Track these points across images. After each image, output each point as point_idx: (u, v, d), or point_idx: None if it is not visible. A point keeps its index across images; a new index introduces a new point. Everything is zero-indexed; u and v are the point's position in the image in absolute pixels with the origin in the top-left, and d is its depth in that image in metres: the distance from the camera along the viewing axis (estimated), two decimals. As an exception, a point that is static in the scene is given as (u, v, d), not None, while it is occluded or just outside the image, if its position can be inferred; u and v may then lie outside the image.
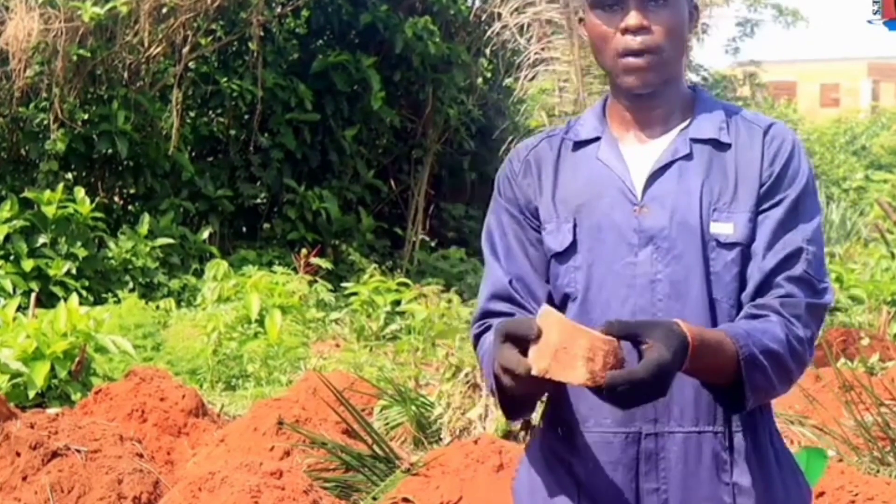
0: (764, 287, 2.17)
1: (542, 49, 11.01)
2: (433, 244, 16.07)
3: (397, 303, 10.80)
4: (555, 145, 2.32)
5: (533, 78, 11.13)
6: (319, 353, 9.12)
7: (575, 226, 2.24)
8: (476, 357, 2.34)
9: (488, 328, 2.26)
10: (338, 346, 9.68)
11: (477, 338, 2.31)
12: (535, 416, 2.39)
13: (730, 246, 2.18)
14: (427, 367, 8.05)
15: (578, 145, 2.30)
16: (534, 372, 1.96)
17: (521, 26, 11.12)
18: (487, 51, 14.50)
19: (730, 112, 2.28)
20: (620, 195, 2.22)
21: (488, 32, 12.16)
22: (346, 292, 11.48)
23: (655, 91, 2.22)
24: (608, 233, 2.21)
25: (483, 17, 14.12)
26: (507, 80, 13.93)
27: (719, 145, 2.23)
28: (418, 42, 14.65)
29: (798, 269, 2.16)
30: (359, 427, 5.57)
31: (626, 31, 2.19)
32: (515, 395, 2.12)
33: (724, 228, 2.18)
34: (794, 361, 2.14)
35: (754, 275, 2.18)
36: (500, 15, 11.32)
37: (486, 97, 16.40)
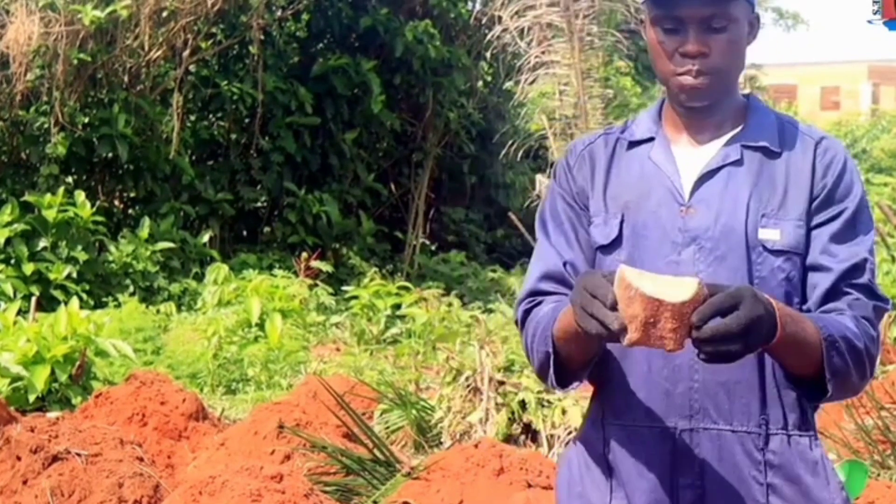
0: (831, 295, 2.22)
1: (543, 52, 11.02)
2: (433, 248, 16.07)
3: (398, 306, 10.80)
4: (610, 143, 2.38)
5: (533, 81, 11.13)
6: (320, 357, 9.11)
7: (622, 221, 2.29)
8: (520, 333, 2.37)
9: (538, 304, 2.31)
10: (338, 349, 9.66)
11: (526, 313, 2.34)
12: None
13: (777, 252, 2.22)
14: (427, 371, 8.05)
15: (633, 145, 2.35)
16: (624, 343, 1.99)
17: (522, 30, 11.13)
18: (488, 54, 14.49)
19: (782, 121, 2.32)
20: (668, 194, 2.27)
21: (489, 36, 12.17)
22: (347, 296, 11.48)
23: (709, 104, 2.27)
24: (653, 230, 2.26)
25: (483, 21, 14.14)
26: (508, 84, 13.94)
27: (770, 153, 2.27)
28: (418, 45, 14.66)
29: (864, 279, 2.22)
30: (359, 431, 5.56)
31: (685, 55, 2.22)
32: (573, 356, 2.21)
33: (771, 234, 2.22)
34: (867, 355, 2.18)
35: (821, 283, 2.22)
36: (500, 18, 11.32)
37: (486, 101, 16.41)
